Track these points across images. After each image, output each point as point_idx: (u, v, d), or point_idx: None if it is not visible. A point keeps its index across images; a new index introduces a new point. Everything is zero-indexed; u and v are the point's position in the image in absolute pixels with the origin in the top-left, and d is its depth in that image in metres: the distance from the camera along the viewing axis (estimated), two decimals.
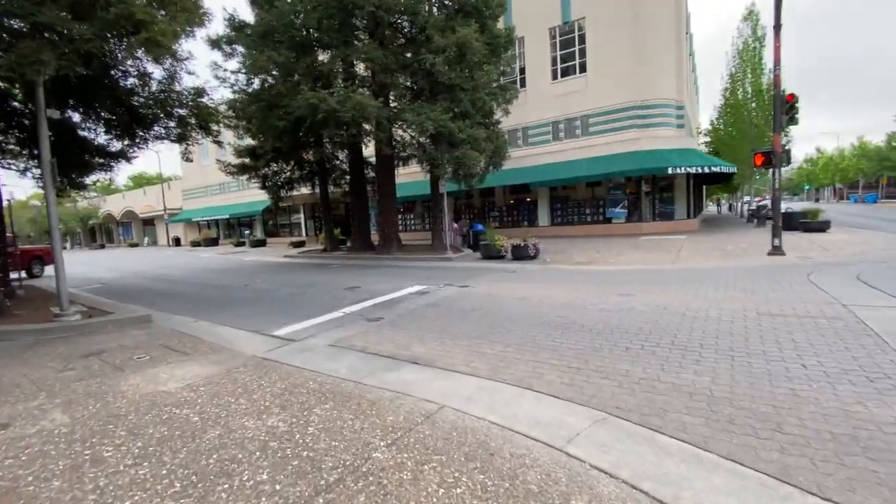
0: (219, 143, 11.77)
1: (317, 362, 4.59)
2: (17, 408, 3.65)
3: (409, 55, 14.27)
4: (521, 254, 13.19)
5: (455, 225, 19.56)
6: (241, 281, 12.31)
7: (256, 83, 16.65)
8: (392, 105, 14.78)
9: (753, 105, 26.48)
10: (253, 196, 36.73)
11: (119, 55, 7.67)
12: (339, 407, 3.40)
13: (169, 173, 57.30)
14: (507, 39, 15.17)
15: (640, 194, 20.38)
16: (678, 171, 17.85)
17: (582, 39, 21.05)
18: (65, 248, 57.57)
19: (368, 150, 20.09)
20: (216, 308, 8.23)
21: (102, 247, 53.17)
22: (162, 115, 11.32)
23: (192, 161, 12.71)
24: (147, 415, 3.42)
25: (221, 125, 12.20)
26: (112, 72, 9.72)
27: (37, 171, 13.05)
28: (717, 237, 16.82)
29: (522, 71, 22.50)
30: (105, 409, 3.59)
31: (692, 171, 18.03)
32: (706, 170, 18.33)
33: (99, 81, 9.48)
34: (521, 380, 3.79)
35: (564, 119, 21.79)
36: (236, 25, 16.04)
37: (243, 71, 16.55)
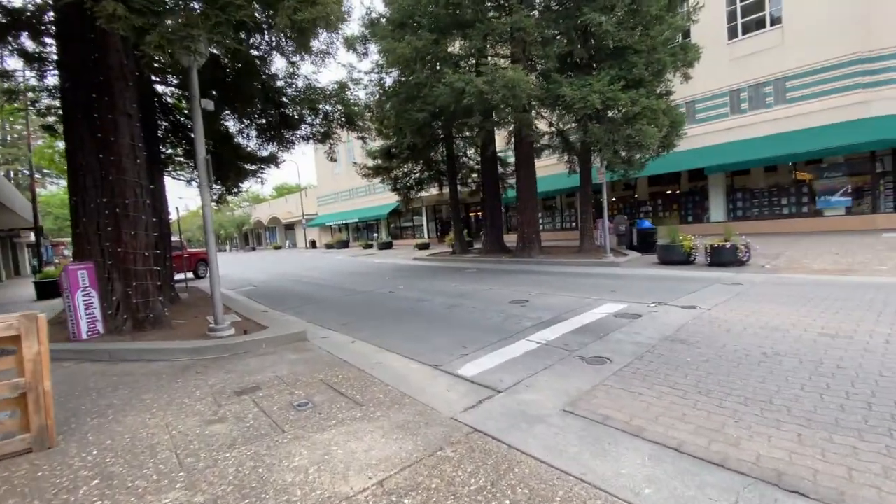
0: (363, 139, 11.00)
1: (572, 454, 2.65)
2: None
3: (561, 21, 11.99)
4: (723, 258, 9.96)
5: (609, 223, 16.67)
6: (384, 285, 11.33)
7: (389, 80, 15.97)
8: (537, 83, 12.62)
9: None
10: (378, 200, 37.93)
11: (268, 31, 6.82)
12: None
13: (305, 183, 63.28)
14: None
15: (871, 176, 15.04)
16: None
17: None
18: (224, 250, 67.44)
19: (497, 145, 18.34)
20: (370, 321, 6.99)
21: (253, 249, 60.87)
22: (308, 114, 10.86)
23: (335, 160, 12.20)
24: None
25: (362, 121, 11.44)
26: (261, 66, 9.33)
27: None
28: None
29: (686, 34, 18.49)
30: None
31: None
32: None
33: (251, 78, 9.11)
34: None
35: (748, 86, 17.27)
36: (371, 21, 15.50)
37: (376, 70, 15.98)
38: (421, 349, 5.23)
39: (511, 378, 4.01)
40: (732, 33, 17.56)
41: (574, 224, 24.87)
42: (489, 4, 12.44)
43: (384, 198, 36.77)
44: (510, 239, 19.28)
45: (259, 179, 13.28)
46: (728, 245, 9.96)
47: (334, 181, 45.70)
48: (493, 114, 11.80)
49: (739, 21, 17.42)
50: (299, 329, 6.17)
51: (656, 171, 17.35)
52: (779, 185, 17.15)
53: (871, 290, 6.44)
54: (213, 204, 17.99)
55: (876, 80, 14.73)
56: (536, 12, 12.69)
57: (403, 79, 14.71)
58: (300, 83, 10.37)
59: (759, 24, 17.01)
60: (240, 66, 9.08)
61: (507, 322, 6.23)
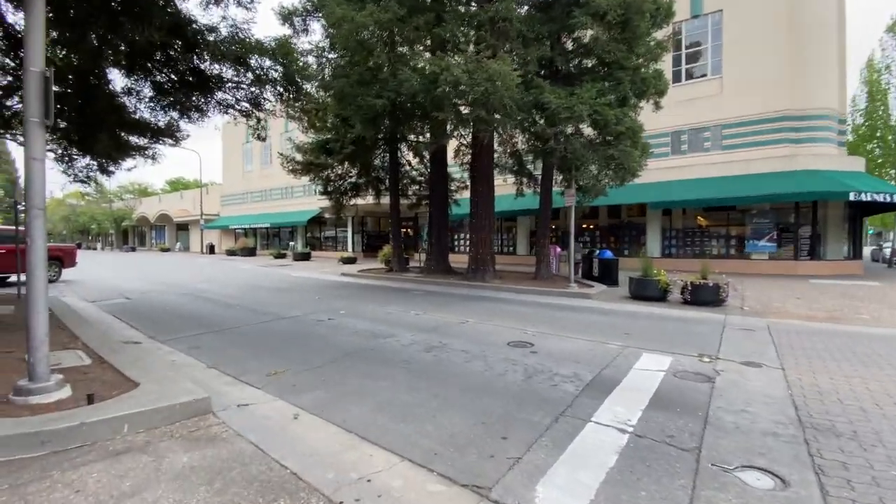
0: (306, 116, 8.45)
1: None
2: None
3: (546, 24, 10.81)
4: (704, 296, 9.20)
5: (559, 250, 15.78)
6: (316, 307, 8.71)
7: (329, 67, 13.46)
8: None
9: None
10: (297, 205, 34.06)
11: None
12: None
13: (207, 180, 56.10)
14: (668, 12, 11.56)
15: (793, 225, 16.13)
16: (862, 197, 13.66)
17: (716, 35, 17.40)
18: (95, 248, 56.46)
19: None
20: (314, 369, 4.56)
21: (133, 249, 51.43)
22: (231, 73, 8.12)
23: (264, 139, 9.38)
24: None
25: (306, 91, 8.93)
26: None
27: (61, 151, 10.08)
28: None
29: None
30: None
31: (880, 198, 13.81)
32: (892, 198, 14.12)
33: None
34: None
35: (689, 129, 17.94)
36: None
37: (315, 53, 13.32)
38: (426, 439, 3.06)
39: None
40: (678, 77, 18.24)
41: (512, 248, 24.13)
42: None
43: (303, 203, 33.07)
44: (454, 259, 17.57)
45: (150, 156, 9.94)
46: (711, 283, 9.24)
47: (244, 180, 40.50)
48: (474, 109, 10.03)
49: (684, 67, 18.18)
50: (196, 394, 3.55)
51: (599, 202, 17.01)
52: (710, 226, 17.85)
53: None
54: (82, 186, 13.63)
55: (801, 136, 15.99)
56: (522, 7, 11.37)
57: (352, 62, 12.37)
58: (225, 31, 7.65)
59: (703, 70, 17.88)
60: None
61: (534, 381, 4.30)
